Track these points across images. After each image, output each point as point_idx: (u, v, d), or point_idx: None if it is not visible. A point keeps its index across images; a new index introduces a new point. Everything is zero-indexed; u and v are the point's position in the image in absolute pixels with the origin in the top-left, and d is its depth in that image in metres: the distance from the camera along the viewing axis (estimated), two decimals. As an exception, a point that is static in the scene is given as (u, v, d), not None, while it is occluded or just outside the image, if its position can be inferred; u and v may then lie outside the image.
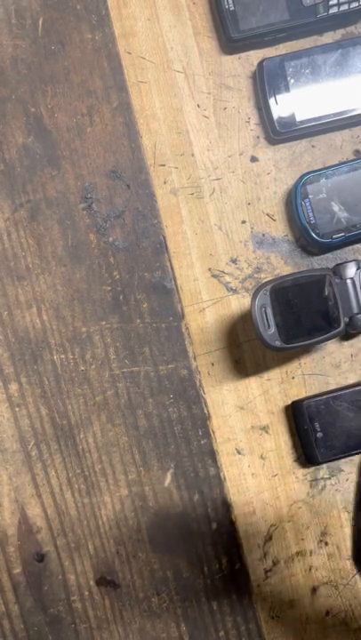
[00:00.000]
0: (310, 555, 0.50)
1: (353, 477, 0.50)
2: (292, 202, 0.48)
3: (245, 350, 0.50)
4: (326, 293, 0.46)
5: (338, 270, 0.47)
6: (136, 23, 0.49)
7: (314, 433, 0.46)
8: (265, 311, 0.44)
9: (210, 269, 0.50)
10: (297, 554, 0.50)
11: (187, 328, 0.49)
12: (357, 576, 0.50)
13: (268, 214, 0.50)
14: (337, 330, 0.45)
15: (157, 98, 0.50)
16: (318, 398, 0.47)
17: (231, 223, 0.50)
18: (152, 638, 0.49)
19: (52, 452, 0.49)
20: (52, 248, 0.49)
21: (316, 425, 0.46)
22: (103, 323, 0.49)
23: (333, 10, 0.48)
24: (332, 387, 0.50)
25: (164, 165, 0.50)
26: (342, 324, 0.46)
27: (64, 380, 0.49)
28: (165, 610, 0.49)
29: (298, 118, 0.48)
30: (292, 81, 0.48)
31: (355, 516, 0.27)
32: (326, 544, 0.50)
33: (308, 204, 0.48)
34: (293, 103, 0.48)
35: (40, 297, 0.49)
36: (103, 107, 0.49)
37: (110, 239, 0.49)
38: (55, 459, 0.49)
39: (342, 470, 0.50)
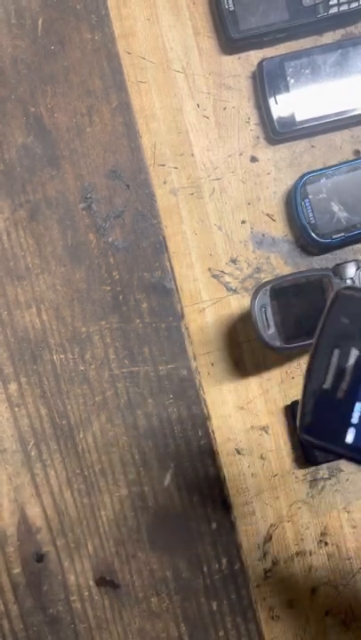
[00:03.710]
0: (310, 555, 0.50)
1: (353, 477, 0.50)
2: (292, 202, 0.48)
3: (245, 350, 0.50)
4: (326, 294, 0.46)
5: (338, 270, 0.47)
6: (136, 23, 0.49)
7: None
8: (265, 311, 0.44)
9: (210, 269, 0.50)
10: (297, 554, 0.50)
11: (186, 328, 0.49)
12: (358, 575, 0.50)
13: (267, 214, 0.50)
14: (337, 330, 0.45)
15: (157, 98, 0.50)
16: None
17: (231, 223, 0.50)
18: (152, 638, 0.49)
19: (51, 451, 0.49)
20: (51, 248, 0.49)
21: None
22: (103, 323, 0.49)
23: (333, 10, 0.48)
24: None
25: (163, 165, 0.50)
26: (342, 325, 0.46)
27: (64, 380, 0.49)
28: (165, 610, 0.49)
29: (298, 118, 0.48)
30: (291, 81, 0.48)
31: (308, 387, 0.28)
32: (326, 544, 0.50)
33: (307, 204, 0.48)
34: (293, 103, 0.48)
35: (40, 297, 0.49)
36: (103, 107, 0.49)
37: (110, 239, 0.49)
38: (55, 459, 0.49)
39: (342, 470, 0.50)
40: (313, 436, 0.28)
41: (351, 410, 0.27)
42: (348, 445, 0.27)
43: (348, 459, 0.28)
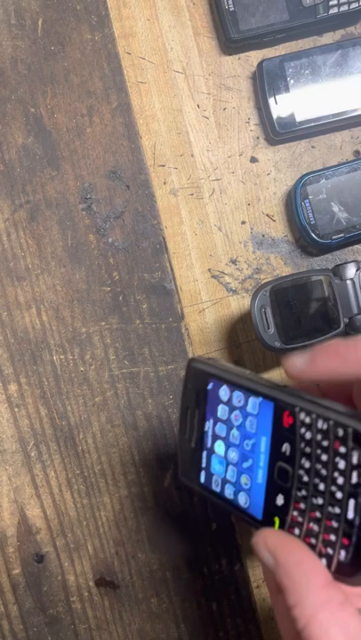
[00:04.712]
0: (310, 555, 0.50)
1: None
2: (292, 202, 0.48)
3: (245, 351, 0.50)
4: (326, 294, 0.46)
5: (338, 271, 0.47)
6: (136, 24, 0.49)
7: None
8: (265, 312, 0.44)
9: (210, 270, 0.50)
10: (297, 555, 0.50)
11: (186, 329, 0.49)
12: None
13: (267, 215, 0.50)
14: (337, 330, 0.45)
15: (157, 98, 0.50)
16: None
17: (231, 224, 0.50)
18: (151, 639, 0.49)
19: (51, 452, 0.49)
20: (51, 249, 0.49)
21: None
22: (103, 323, 0.49)
23: (333, 10, 0.48)
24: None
25: (163, 166, 0.50)
26: (342, 325, 0.46)
27: (63, 380, 0.49)
28: (165, 610, 0.49)
29: (298, 119, 0.48)
30: (291, 81, 0.48)
31: (179, 435, 0.35)
32: (326, 545, 0.50)
33: (307, 204, 0.48)
34: (293, 104, 0.48)
35: (40, 297, 0.49)
36: (103, 107, 0.49)
37: (110, 240, 0.49)
38: (55, 459, 0.49)
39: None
40: (185, 478, 0.34)
41: (201, 457, 0.33)
42: (201, 485, 0.33)
43: (205, 496, 0.33)
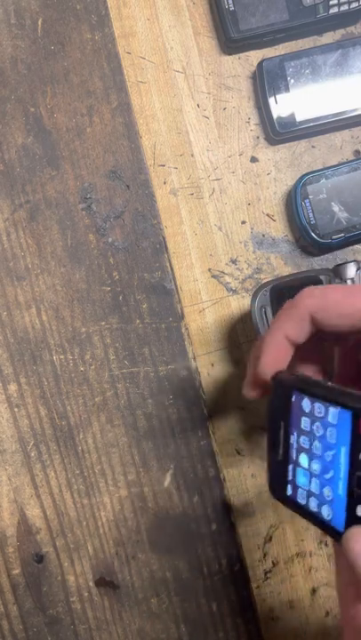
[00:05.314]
0: (310, 556, 0.50)
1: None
2: (293, 202, 0.48)
3: (245, 351, 0.50)
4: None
5: (338, 271, 0.47)
6: (136, 23, 0.49)
7: None
8: (265, 312, 0.44)
9: (210, 270, 0.50)
10: (297, 555, 0.50)
11: (186, 328, 0.49)
12: None
13: (268, 215, 0.50)
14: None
15: (157, 98, 0.49)
16: None
17: (231, 223, 0.50)
18: (151, 639, 0.49)
19: (51, 452, 0.49)
20: (51, 248, 0.49)
21: None
22: (103, 323, 0.49)
23: (334, 10, 0.48)
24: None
25: (163, 166, 0.50)
26: (342, 325, 0.46)
27: (63, 380, 0.49)
28: (165, 611, 0.49)
29: (298, 118, 0.48)
30: (291, 81, 0.48)
31: (268, 449, 0.35)
32: (326, 545, 0.50)
33: (308, 204, 0.48)
34: (293, 103, 0.48)
35: (39, 297, 0.49)
36: (103, 107, 0.49)
37: (110, 239, 0.49)
38: (54, 459, 0.49)
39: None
40: (274, 492, 0.35)
41: (287, 470, 0.34)
42: (288, 498, 0.34)
43: (291, 509, 0.34)
